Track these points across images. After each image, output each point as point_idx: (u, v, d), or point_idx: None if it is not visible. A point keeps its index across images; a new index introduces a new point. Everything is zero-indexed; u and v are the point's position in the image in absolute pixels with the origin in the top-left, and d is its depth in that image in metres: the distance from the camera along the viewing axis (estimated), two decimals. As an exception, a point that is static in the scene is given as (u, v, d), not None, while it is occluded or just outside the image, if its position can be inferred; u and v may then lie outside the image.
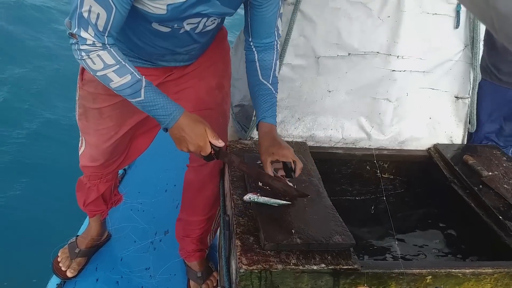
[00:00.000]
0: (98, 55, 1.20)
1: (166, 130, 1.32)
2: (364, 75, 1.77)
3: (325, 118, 1.84)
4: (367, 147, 1.88)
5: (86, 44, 1.19)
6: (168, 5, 1.19)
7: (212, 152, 1.32)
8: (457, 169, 1.72)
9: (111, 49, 1.22)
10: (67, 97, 4.18)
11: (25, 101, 4.15)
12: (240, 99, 2.11)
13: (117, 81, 1.24)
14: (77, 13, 1.15)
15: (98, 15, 1.14)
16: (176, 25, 1.30)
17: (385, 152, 1.87)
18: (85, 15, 1.14)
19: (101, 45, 1.20)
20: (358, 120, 1.86)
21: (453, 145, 1.91)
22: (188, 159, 1.85)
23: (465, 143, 1.95)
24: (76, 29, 1.17)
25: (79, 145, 1.78)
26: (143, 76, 1.27)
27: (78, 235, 2.11)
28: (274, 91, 1.46)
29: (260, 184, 1.40)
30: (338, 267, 1.16)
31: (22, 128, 3.79)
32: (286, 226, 1.24)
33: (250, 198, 1.32)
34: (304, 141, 1.82)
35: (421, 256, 1.56)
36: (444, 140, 1.92)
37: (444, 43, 1.78)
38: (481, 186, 1.62)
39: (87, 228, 2.07)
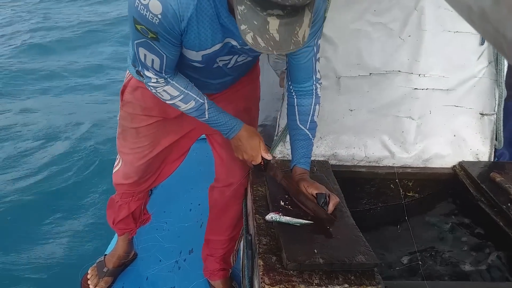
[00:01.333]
0: (164, 90, 1.37)
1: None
2: (386, 93, 1.77)
3: (347, 136, 1.85)
4: (390, 165, 1.87)
5: (151, 82, 1.35)
6: (203, 55, 1.29)
7: (262, 163, 1.48)
8: (484, 187, 1.68)
9: (174, 82, 1.37)
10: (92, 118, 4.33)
11: (57, 123, 4.32)
12: (262, 119, 2.14)
13: (184, 107, 1.41)
14: (137, 58, 1.31)
15: (152, 60, 1.28)
16: (209, 62, 1.38)
17: (409, 170, 1.85)
18: (143, 60, 1.29)
19: (163, 81, 1.35)
20: (381, 138, 1.85)
21: (479, 162, 1.88)
22: (214, 180, 1.89)
23: (492, 160, 1.92)
24: (139, 68, 1.35)
25: (115, 163, 1.85)
26: (206, 98, 1.43)
27: (106, 254, 2.16)
28: (311, 136, 1.51)
29: (282, 203, 1.41)
30: (362, 287, 1.15)
31: (54, 148, 3.93)
32: (308, 245, 1.24)
33: (272, 218, 1.34)
34: (326, 159, 1.83)
35: (447, 276, 1.52)
36: (470, 158, 1.89)
37: (467, 60, 1.77)
38: (509, 204, 1.58)
39: (115, 246, 2.12)
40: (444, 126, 1.85)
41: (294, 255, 1.19)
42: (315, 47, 1.39)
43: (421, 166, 1.87)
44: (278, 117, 1.79)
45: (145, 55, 1.26)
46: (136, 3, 1.11)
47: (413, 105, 1.79)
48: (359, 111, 1.80)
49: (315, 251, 1.21)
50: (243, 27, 0.96)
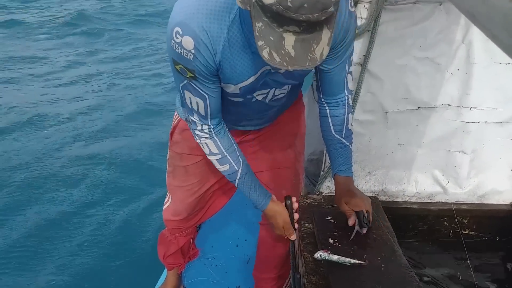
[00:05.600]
0: (206, 143, 1.40)
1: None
2: (436, 127, 1.74)
3: (397, 171, 1.81)
4: (443, 201, 1.81)
5: (197, 130, 1.38)
6: (241, 88, 1.31)
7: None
8: (548, 225, 1.58)
9: (217, 139, 1.40)
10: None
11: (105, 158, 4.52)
12: (309, 153, 2.14)
13: (218, 167, 1.44)
14: (184, 102, 1.34)
15: (197, 103, 1.30)
16: (247, 96, 1.40)
17: (464, 206, 1.78)
18: (188, 103, 1.32)
19: (207, 131, 1.38)
20: (433, 173, 1.80)
21: (541, 198, 1.77)
22: (261, 216, 1.90)
23: (555, 196, 1.80)
24: (186, 114, 1.38)
25: (165, 200, 1.91)
26: (242, 165, 1.44)
27: (155, 288, 2.20)
28: (348, 144, 1.49)
29: (330, 241, 1.40)
30: (417, 332, 1.10)
31: (103, 181, 4.12)
32: (359, 286, 1.21)
33: (321, 256, 1.32)
34: (375, 195, 1.79)
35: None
36: (530, 193, 1.79)
37: (521, 91, 1.71)
38: None
39: (165, 281, 2.16)
40: (499, 160, 1.78)
41: (344, 295, 1.17)
42: (347, 64, 1.39)
43: (477, 202, 1.79)
44: (325, 151, 1.79)
45: (190, 99, 1.30)
46: (172, 43, 1.16)
47: (465, 139, 1.74)
48: (408, 145, 1.77)
49: (366, 291, 1.18)
50: (260, 43, 0.97)
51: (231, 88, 1.31)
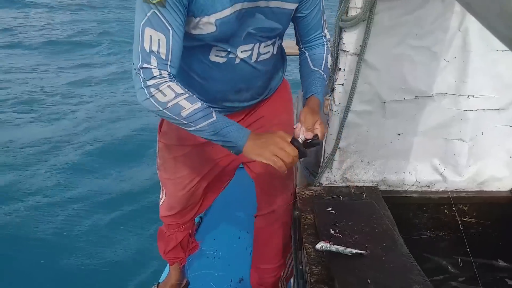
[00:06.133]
0: (169, 86, 1.24)
1: (238, 152, 1.30)
2: (434, 116, 1.74)
3: (396, 161, 1.81)
4: (443, 189, 1.81)
5: (153, 78, 1.23)
6: (216, 20, 1.27)
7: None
8: (548, 210, 1.59)
9: (178, 82, 1.28)
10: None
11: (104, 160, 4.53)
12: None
13: (188, 107, 1.25)
14: (139, 48, 1.23)
15: (158, 41, 1.22)
16: (230, 51, 1.39)
17: (463, 194, 1.79)
18: (147, 47, 1.22)
19: (167, 75, 1.25)
20: (432, 162, 1.81)
21: (540, 183, 1.78)
22: (256, 209, 1.91)
23: (554, 181, 1.81)
24: (140, 63, 1.23)
25: (160, 196, 1.92)
26: None
27: (159, 282, 2.22)
28: (325, 77, 1.55)
29: (332, 231, 1.41)
30: (419, 319, 1.11)
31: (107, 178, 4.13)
32: (361, 275, 1.22)
33: (322, 247, 1.33)
34: (375, 185, 1.80)
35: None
36: (529, 179, 1.80)
37: (519, 78, 1.71)
38: None
39: (167, 275, 2.18)
40: (498, 147, 1.78)
41: (346, 285, 1.18)
42: (321, 7, 1.52)
43: (476, 189, 1.80)
44: (324, 143, 1.80)
45: (150, 37, 1.21)
46: None
47: (463, 127, 1.74)
48: (407, 135, 1.77)
49: (368, 281, 1.19)
50: None
51: (206, 21, 1.27)
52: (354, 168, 1.83)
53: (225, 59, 1.40)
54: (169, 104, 1.25)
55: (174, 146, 1.72)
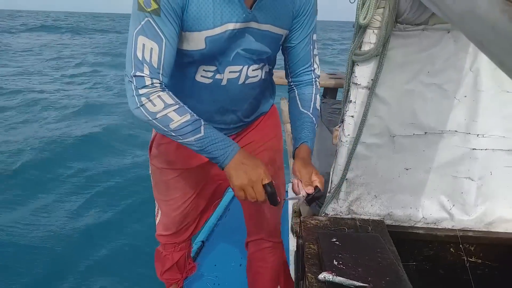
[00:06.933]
0: (159, 96, 1.24)
1: (222, 167, 1.30)
2: (443, 153, 1.74)
3: (403, 196, 1.81)
4: (450, 227, 1.79)
5: (145, 87, 1.22)
6: (206, 37, 1.28)
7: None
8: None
9: (169, 92, 1.27)
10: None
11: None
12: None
13: (177, 120, 1.24)
14: (132, 56, 1.23)
15: (151, 50, 1.21)
16: (217, 72, 1.38)
17: (470, 233, 1.76)
18: (139, 55, 1.22)
19: (159, 84, 1.24)
20: (439, 199, 1.79)
21: (549, 228, 1.75)
22: (247, 234, 1.92)
23: None
24: (132, 71, 1.23)
25: (155, 215, 1.92)
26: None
27: (156, 306, 2.18)
28: (314, 121, 1.52)
29: (335, 263, 1.39)
30: None
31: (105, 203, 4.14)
32: (363, 309, 1.20)
33: (325, 278, 1.31)
34: (381, 219, 1.79)
35: None
36: (539, 223, 1.77)
37: (529, 120, 1.72)
38: None
39: (165, 299, 2.15)
40: (507, 187, 1.77)
41: (348, 318, 1.15)
42: (311, 40, 1.50)
43: (484, 229, 1.78)
44: (331, 173, 1.80)
45: (143, 45, 1.21)
46: None
47: (472, 166, 1.74)
48: (415, 170, 1.77)
49: (370, 315, 1.17)
50: None
51: (196, 38, 1.28)
52: (360, 200, 1.82)
53: (211, 80, 1.40)
54: (158, 115, 1.24)
55: (164, 170, 1.73)
